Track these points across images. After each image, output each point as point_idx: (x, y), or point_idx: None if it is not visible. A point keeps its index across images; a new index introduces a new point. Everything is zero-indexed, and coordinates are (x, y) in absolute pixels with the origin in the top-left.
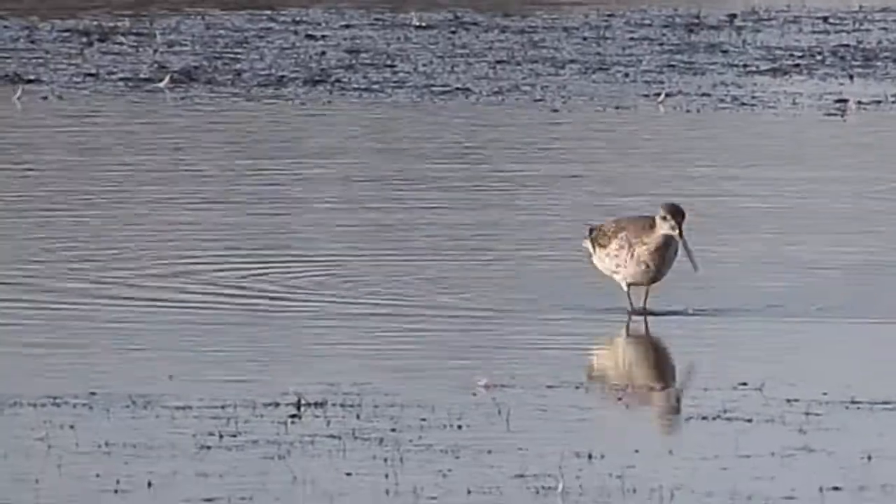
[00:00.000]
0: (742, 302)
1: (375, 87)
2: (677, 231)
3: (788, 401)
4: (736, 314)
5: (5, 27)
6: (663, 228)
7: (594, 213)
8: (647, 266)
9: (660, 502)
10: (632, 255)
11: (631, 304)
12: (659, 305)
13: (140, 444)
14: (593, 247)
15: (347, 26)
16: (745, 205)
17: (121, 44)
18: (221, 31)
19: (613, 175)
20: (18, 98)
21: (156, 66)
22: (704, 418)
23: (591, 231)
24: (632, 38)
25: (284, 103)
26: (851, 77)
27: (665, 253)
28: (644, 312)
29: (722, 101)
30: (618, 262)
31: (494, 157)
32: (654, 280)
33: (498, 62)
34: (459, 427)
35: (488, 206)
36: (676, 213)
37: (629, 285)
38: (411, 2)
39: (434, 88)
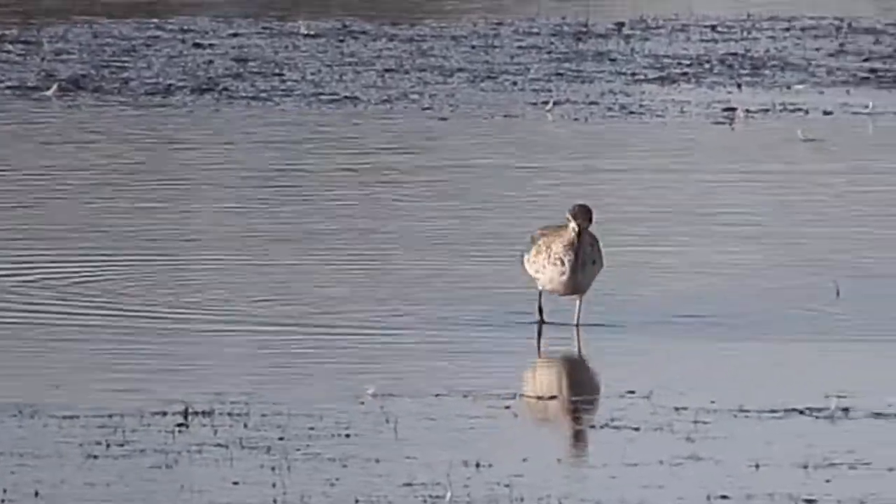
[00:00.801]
0: (630, 310)
1: (263, 95)
2: (576, 231)
3: (676, 409)
4: (624, 323)
5: None
6: (568, 230)
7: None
8: (562, 263)
9: None
10: (549, 257)
11: (541, 311)
12: (552, 317)
13: (27, 452)
14: (527, 252)
15: (235, 35)
16: (634, 211)
17: (8, 52)
18: (109, 40)
19: (505, 182)
20: None
21: (43, 74)
22: (593, 427)
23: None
24: (520, 47)
25: (172, 111)
26: (739, 85)
27: (575, 255)
28: (577, 325)
29: (610, 109)
30: (536, 268)
31: (386, 164)
32: (573, 289)
33: (386, 70)
34: (347, 436)
35: (390, 217)
36: (578, 215)
37: (546, 292)
38: (299, 10)
39: (322, 97)
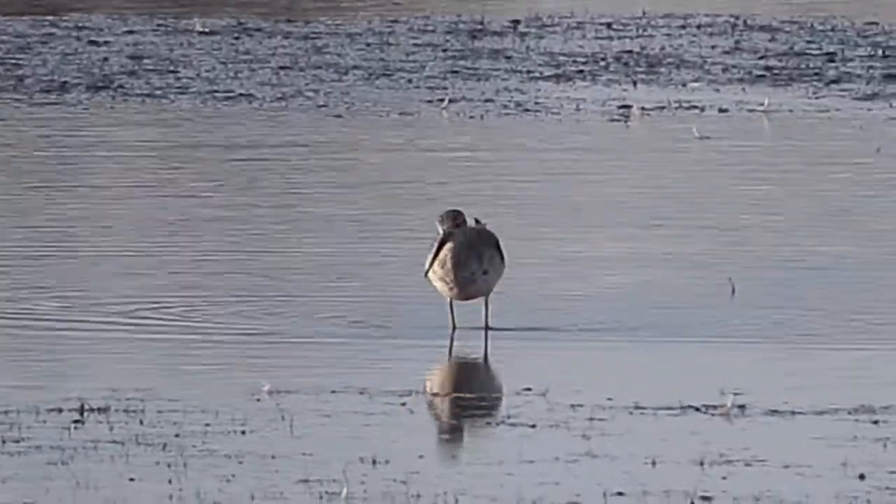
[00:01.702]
0: (524, 309)
1: (158, 92)
2: (441, 234)
3: (572, 406)
4: (520, 322)
5: None
6: (440, 231)
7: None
8: (448, 285)
9: None
10: (435, 273)
11: (452, 316)
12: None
13: None
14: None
15: (130, 32)
16: (528, 209)
17: None
18: (3, 37)
19: (399, 182)
20: None
21: None
22: (489, 424)
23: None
24: (415, 44)
25: (67, 108)
26: (635, 83)
27: (456, 269)
28: (485, 328)
29: (506, 106)
30: (433, 278)
31: (279, 163)
32: (468, 297)
33: (281, 68)
34: (243, 432)
35: (291, 220)
36: (446, 218)
37: (451, 300)
38: (194, 8)
39: (217, 94)
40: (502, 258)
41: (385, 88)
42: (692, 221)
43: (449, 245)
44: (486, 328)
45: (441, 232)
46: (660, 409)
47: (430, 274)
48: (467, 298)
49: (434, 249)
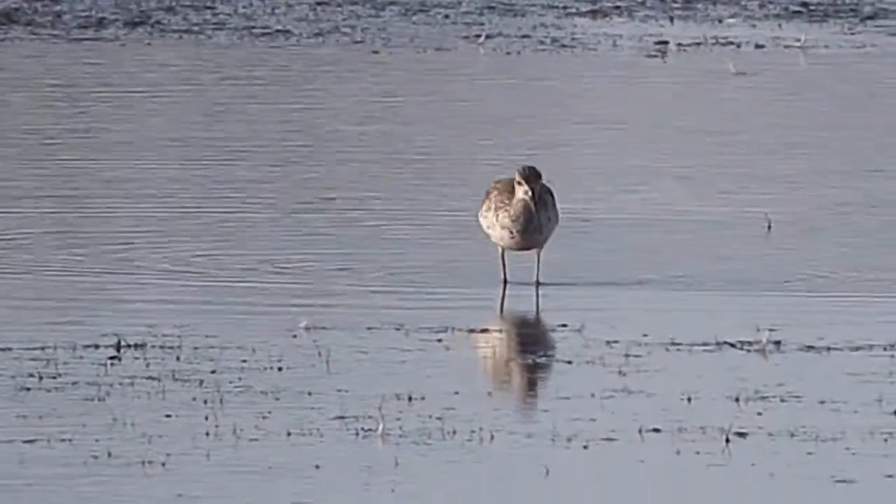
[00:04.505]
0: (561, 247)
1: (195, 28)
2: (529, 195)
3: (608, 342)
4: (559, 259)
5: None
6: (519, 193)
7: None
8: (511, 233)
9: (479, 444)
10: (497, 219)
11: (504, 270)
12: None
13: None
14: (482, 203)
15: None
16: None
17: None
18: None
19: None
20: None
21: None
22: (525, 360)
23: (487, 190)
24: None
25: (104, 45)
26: (672, 19)
27: (526, 223)
28: (536, 283)
29: (542, 42)
30: (487, 224)
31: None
32: (526, 247)
33: (318, 3)
34: (280, 369)
35: (322, 165)
36: (530, 178)
37: (502, 249)
38: None
39: (254, 30)
40: (557, 212)
41: (422, 24)
42: (727, 157)
43: (525, 194)
44: (538, 283)
45: (528, 191)
46: (695, 346)
47: (494, 221)
48: (526, 248)
49: (519, 212)
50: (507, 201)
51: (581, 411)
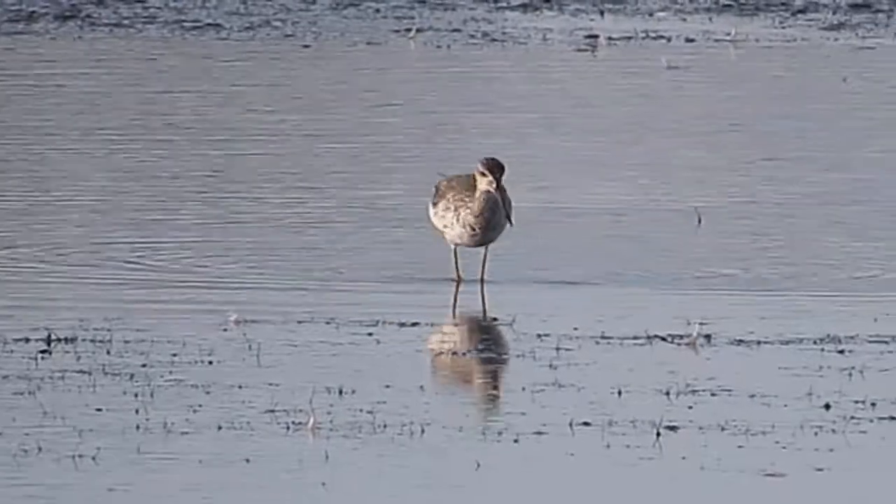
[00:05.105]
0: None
1: (126, 22)
2: (494, 185)
3: (539, 336)
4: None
5: None
6: (482, 184)
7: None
8: (473, 230)
9: (410, 438)
10: (457, 218)
11: (457, 268)
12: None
13: None
14: (432, 203)
15: None
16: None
17: None
18: None
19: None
20: None
21: None
22: (455, 354)
23: (436, 187)
24: None
25: (35, 39)
26: (602, 13)
27: (490, 216)
28: (481, 280)
29: (472, 36)
30: (444, 224)
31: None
32: (483, 243)
33: None
34: (210, 363)
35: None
36: (493, 169)
37: (455, 246)
38: None
39: (185, 24)
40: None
41: (352, 18)
42: (658, 152)
43: (488, 192)
44: (483, 280)
45: (493, 182)
46: (626, 340)
47: (453, 221)
48: (482, 244)
49: (453, 199)
50: (466, 199)
51: (512, 405)
